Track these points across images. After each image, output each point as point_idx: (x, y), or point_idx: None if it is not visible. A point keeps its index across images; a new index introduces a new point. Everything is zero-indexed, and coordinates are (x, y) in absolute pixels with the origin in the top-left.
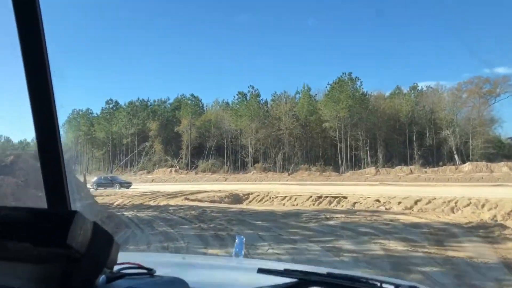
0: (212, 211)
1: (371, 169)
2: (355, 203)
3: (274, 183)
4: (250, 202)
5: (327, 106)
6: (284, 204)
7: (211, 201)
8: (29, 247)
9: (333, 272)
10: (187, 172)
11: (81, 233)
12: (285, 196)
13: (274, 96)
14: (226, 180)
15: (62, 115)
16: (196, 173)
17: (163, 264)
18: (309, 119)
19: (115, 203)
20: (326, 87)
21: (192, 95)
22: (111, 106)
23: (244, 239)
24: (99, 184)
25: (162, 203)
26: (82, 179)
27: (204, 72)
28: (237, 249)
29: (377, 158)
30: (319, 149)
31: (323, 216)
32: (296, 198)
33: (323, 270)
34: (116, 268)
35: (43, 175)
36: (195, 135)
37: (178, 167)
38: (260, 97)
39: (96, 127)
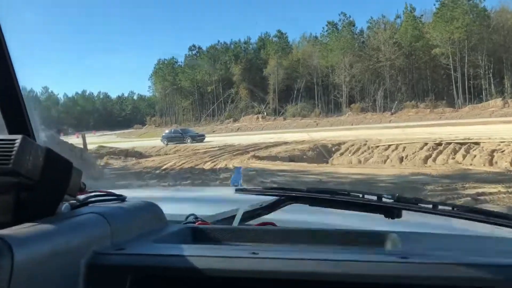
0: (273, 181)
1: (497, 101)
2: (493, 151)
3: (374, 127)
4: (341, 155)
5: (436, 28)
6: (390, 160)
7: (289, 158)
8: None
9: (313, 187)
10: (274, 119)
11: (29, 158)
12: (389, 146)
13: (371, 23)
14: (317, 125)
15: (149, 66)
16: (285, 119)
17: (142, 195)
18: (414, 46)
19: (162, 167)
20: (434, 5)
21: (278, 31)
22: (194, 52)
23: (242, 168)
24: (169, 139)
25: (220, 165)
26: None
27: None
28: (234, 179)
29: (503, 87)
30: (428, 82)
31: (467, 193)
32: (404, 148)
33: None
34: (83, 196)
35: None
36: (282, 77)
37: (265, 113)
38: (354, 26)
39: (180, 76)
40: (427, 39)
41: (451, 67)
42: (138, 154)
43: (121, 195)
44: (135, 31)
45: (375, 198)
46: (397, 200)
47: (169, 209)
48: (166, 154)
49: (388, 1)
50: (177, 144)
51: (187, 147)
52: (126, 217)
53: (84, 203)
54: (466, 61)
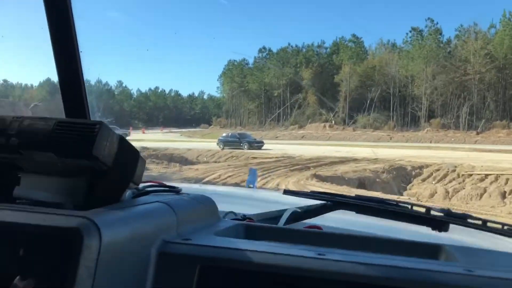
0: None
1: None
2: None
3: (458, 147)
4: (423, 181)
5: None
6: (488, 194)
7: (359, 181)
8: (54, 158)
9: (362, 195)
10: (343, 128)
11: (107, 144)
12: (486, 175)
13: (459, 31)
14: (391, 139)
15: (219, 66)
16: (354, 130)
17: (194, 189)
18: (509, 59)
19: (204, 179)
20: None
21: (354, 35)
22: (264, 54)
23: (257, 170)
24: (225, 143)
25: (270, 184)
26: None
27: (368, 7)
28: (249, 180)
29: None
30: None
31: None
32: (508, 180)
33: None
34: (142, 185)
35: (61, 90)
36: (355, 84)
37: (333, 121)
38: (441, 34)
39: (248, 78)
40: None
41: None
42: (183, 160)
43: (176, 187)
44: (209, 31)
45: (423, 210)
46: (447, 214)
47: (221, 205)
48: (215, 162)
49: (481, 8)
50: (233, 150)
51: (243, 154)
52: (188, 208)
53: (144, 191)
54: None
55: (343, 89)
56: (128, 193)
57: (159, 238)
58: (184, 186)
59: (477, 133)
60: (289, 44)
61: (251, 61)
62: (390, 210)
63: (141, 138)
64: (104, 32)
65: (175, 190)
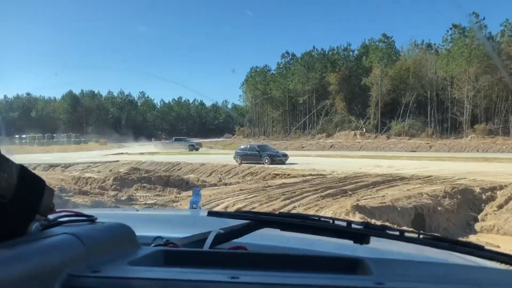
0: None
1: None
2: None
3: None
4: (499, 209)
5: None
6: None
7: (415, 211)
8: None
9: (285, 212)
10: (375, 136)
11: (4, 176)
12: None
13: (505, 26)
14: (430, 147)
15: (240, 75)
16: (388, 138)
17: (110, 216)
18: None
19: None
20: None
21: (384, 35)
22: (287, 59)
23: (200, 191)
24: (243, 157)
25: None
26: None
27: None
28: (193, 201)
29: None
30: None
31: None
32: None
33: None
34: (53, 216)
35: None
36: (387, 87)
37: (364, 129)
38: (486, 29)
39: (272, 85)
40: None
41: None
42: (184, 184)
43: (91, 216)
44: (231, 38)
45: (344, 224)
46: (366, 226)
47: (137, 230)
48: (225, 185)
49: None
50: (252, 165)
51: (263, 170)
52: (100, 238)
53: (55, 223)
54: None
55: (374, 93)
56: (35, 225)
57: (64, 272)
58: (114, 214)
59: None
60: (313, 47)
61: (273, 67)
62: (313, 225)
63: (156, 151)
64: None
65: (89, 219)
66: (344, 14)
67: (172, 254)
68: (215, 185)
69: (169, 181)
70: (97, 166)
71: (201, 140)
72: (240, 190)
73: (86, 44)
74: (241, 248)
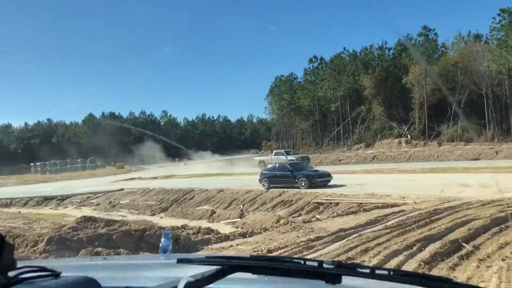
0: None
1: None
2: None
3: None
4: None
5: None
6: None
7: None
8: None
9: (257, 255)
10: (424, 143)
11: None
12: None
13: None
14: (497, 153)
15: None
16: (440, 144)
17: (75, 267)
18: None
19: None
20: None
21: (424, 27)
22: (315, 65)
23: (171, 234)
24: (271, 178)
25: None
26: None
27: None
28: (163, 245)
29: None
30: None
31: None
32: None
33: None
34: (14, 273)
35: None
36: (431, 87)
37: (409, 136)
38: None
39: (299, 93)
40: None
41: None
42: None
43: (54, 271)
44: (253, 49)
45: (316, 264)
46: (337, 266)
47: (104, 282)
48: (244, 236)
49: None
50: (285, 190)
51: (299, 198)
52: None
53: (16, 280)
54: None
55: (417, 95)
56: None
57: None
58: (79, 265)
59: None
60: (344, 48)
61: (300, 75)
62: (284, 268)
63: (171, 174)
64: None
65: (53, 274)
66: (375, 11)
67: None
68: (228, 238)
69: (142, 239)
70: (98, 197)
71: (226, 157)
72: (271, 240)
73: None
74: None
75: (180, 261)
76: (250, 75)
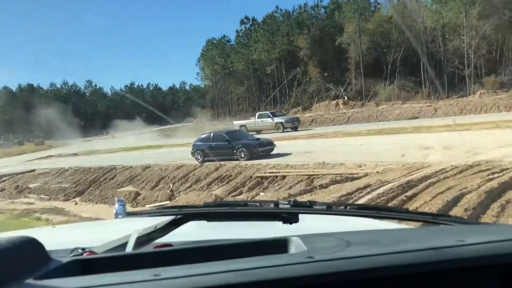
0: None
1: None
2: None
3: None
4: None
5: None
6: None
7: None
8: None
9: (210, 202)
10: (362, 104)
11: None
12: None
13: None
14: (436, 111)
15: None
16: (378, 104)
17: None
18: None
19: None
20: None
21: None
22: (247, 26)
23: (125, 200)
24: (206, 151)
25: None
26: None
27: None
28: (118, 211)
29: None
30: None
31: None
32: None
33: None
34: None
35: None
36: (367, 45)
37: (346, 97)
38: None
39: (232, 57)
40: None
41: None
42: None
43: None
44: (183, 14)
45: (272, 205)
46: (294, 205)
47: (52, 245)
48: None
49: None
50: (222, 163)
51: (238, 172)
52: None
53: None
54: None
55: (352, 54)
56: None
57: None
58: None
59: None
60: (277, 7)
61: (232, 37)
62: (240, 212)
63: (95, 149)
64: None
65: None
66: None
67: (88, 262)
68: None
69: None
70: (3, 180)
71: (159, 128)
72: None
73: (26, 34)
74: (166, 245)
75: (129, 214)
76: (180, 41)
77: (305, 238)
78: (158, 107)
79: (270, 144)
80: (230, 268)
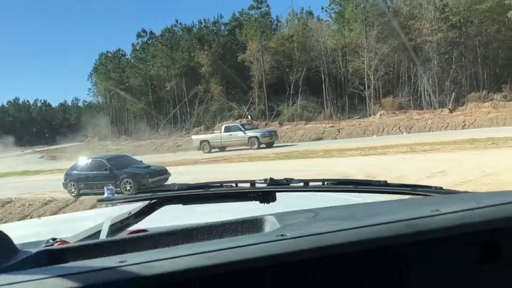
0: None
1: None
2: None
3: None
4: None
5: None
6: None
7: None
8: None
9: (185, 184)
10: (266, 124)
11: None
12: None
13: None
14: (339, 131)
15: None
16: (281, 124)
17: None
18: (475, 11)
19: None
20: None
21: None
22: (144, 39)
23: (114, 189)
24: (80, 181)
25: None
26: None
27: None
28: (107, 197)
29: None
30: (509, 60)
31: None
32: None
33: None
34: None
35: None
36: (269, 64)
37: (249, 117)
38: None
39: (128, 71)
40: None
41: None
42: None
43: None
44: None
45: (248, 185)
46: (270, 183)
47: (23, 238)
48: None
49: None
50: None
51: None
52: None
53: None
54: None
55: (255, 73)
56: None
57: None
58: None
59: (450, 111)
60: (176, 21)
61: (128, 51)
62: (216, 193)
63: None
64: None
65: None
66: None
67: (58, 252)
68: None
69: None
70: None
71: (45, 148)
72: None
73: None
74: (141, 231)
75: (100, 201)
76: (73, 55)
77: (279, 216)
78: (46, 125)
79: (163, 172)
80: (198, 250)
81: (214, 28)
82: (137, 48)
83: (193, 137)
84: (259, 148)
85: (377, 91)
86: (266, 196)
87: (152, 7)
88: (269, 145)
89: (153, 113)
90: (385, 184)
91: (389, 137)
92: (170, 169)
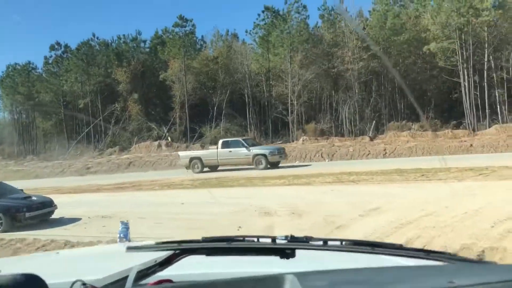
0: None
1: None
2: None
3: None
4: None
5: (439, 13)
6: None
7: None
8: None
9: (209, 237)
10: (187, 146)
11: None
12: None
13: (323, 10)
14: None
15: None
16: (203, 147)
17: (18, 264)
18: (393, 42)
19: None
20: None
21: (181, 17)
22: (58, 53)
23: (129, 223)
24: None
25: None
26: None
27: None
28: (121, 235)
29: None
30: (423, 91)
31: None
32: None
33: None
34: None
35: None
36: (192, 84)
37: (170, 138)
38: (306, 12)
39: (38, 86)
40: (417, 30)
41: (460, 70)
42: None
43: None
44: None
45: (269, 240)
46: (290, 240)
47: (52, 278)
48: None
49: None
50: None
51: None
52: None
53: None
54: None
55: (177, 93)
56: None
57: None
58: (25, 262)
59: (370, 139)
60: (93, 35)
61: (40, 64)
62: (238, 247)
63: None
64: None
65: None
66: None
67: None
68: None
69: None
70: None
71: None
72: None
73: None
74: (166, 281)
75: (130, 249)
76: None
77: (300, 276)
78: None
79: (47, 205)
80: None
81: (134, 44)
82: (50, 61)
83: (180, 153)
84: (266, 168)
85: (300, 117)
86: (286, 253)
87: (68, 19)
88: (274, 166)
89: (64, 131)
90: (400, 247)
91: (312, 163)
92: (63, 198)
